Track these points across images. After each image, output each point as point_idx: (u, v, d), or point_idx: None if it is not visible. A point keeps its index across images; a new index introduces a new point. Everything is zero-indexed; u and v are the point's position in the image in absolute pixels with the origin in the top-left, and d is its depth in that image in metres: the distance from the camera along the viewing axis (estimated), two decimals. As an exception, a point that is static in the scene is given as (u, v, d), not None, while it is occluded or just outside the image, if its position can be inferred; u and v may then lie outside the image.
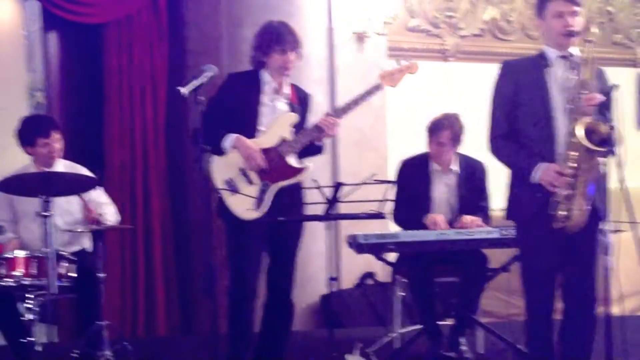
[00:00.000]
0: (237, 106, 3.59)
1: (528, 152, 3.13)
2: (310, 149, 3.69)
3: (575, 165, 2.97)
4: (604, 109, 2.96)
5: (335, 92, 4.95)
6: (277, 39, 3.58)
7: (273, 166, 3.55)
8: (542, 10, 3.15)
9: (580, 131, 2.92)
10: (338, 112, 3.66)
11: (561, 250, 3.12)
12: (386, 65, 3.79)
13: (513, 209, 3.23)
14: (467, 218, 3.94)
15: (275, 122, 3.61)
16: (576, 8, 3.09)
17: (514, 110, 3.18)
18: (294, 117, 3.63)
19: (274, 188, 3.56)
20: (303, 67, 4.74)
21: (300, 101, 3.73)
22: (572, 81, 3.06)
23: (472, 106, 5.22)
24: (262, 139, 3.59)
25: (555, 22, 3.09)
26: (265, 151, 3.55)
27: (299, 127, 3.64)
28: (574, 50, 3.12)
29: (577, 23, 3.10)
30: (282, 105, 3.66)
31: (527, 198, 3.11)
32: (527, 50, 5.95)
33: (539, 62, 3.15)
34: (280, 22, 3.69)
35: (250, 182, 3.56)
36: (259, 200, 3.52)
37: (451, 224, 3.98)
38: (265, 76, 3.63)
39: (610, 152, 2.93)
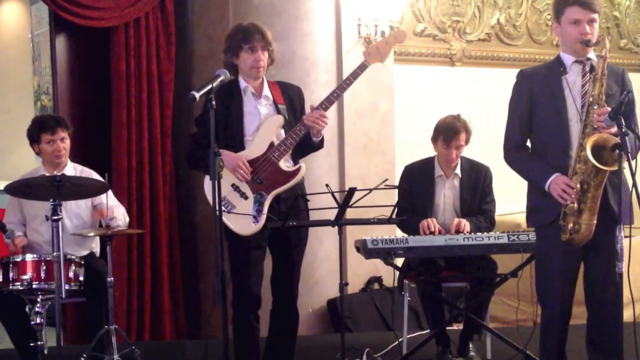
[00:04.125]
0: (221, 121, 3.45)
1: (541, 163, 3.12)
2: (310, 146, 3.57)
3: (584, 179, 2.97)
4: (625, 113, 2.91)
5: (342, 96, 4.94)
6: (244, 37, 3.47)
7: (265, 175, 3.47)
8: (559, 15, 3.11)
9: (588, 149, 2.90)
10: (324, 103, 3.48)
11: (579, 256, 3.12)
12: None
13: (532, 215, 3.23)
14: (455, 220, 3.93)
15: (261, 129, 3.50)
16: (594, 15, 3.05)
17: (529, 120, 3.17)
18: (279, 120, 3.51)
19: (270, 197, 3.49)
20: (311, 71, 4.77)
21: (289, 99, 3.59)
22: (586, 87, 3.04)
23: (478, 110, 5.27)
24: (250, 148, 3.48)
25: (571, 29, 3.06)
26: (255, 160, 3.46)
27: (292, 126, 3.50)
28: (592, 54, 3.09)
29: (594, 31, 3.06)
30: (265, 109, 3.54)
31: (546, 205, 3.10)
32: (533, 55, 6.02)
33: (556, 68, 3.12)
34: (249, 23, 3.59)
35: (244, 196, 3.47)
36: (256, 213, 3.44)
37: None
38: (242, 82, 3.53)
39: (622, 163, 2.90)
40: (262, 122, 3.51)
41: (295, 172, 3.52)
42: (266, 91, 3.56)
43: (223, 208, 3.38)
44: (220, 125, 3.46)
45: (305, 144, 3.54)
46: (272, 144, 3.48)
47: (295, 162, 3.59)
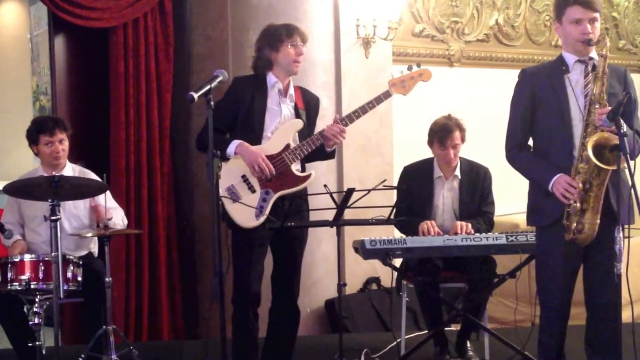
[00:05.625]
0: (243, 111, 3.56)
1: (544, 163, 3.12)
2: (321, 154, 3.67)
3: (586, 178, 2.97)
4: (627, 112, 2.92)
5: (340, 97, 4.95)
6: (287, 33, 3.57)
7: (276, 174, 3.52)
8: (561, 15, 3.10)
9: (589, 149, 2.90)
10: (345, 120, 3.62)
11: (580, 257, 3.12)
12: (395, 72, 3.74)
13: (533, 215, 3.22)
14: (458, 224, 3.93)
15: (281, 128, 3.58)
16: (595, 14, 3.04)
17: (531, 119, 3.16)
18: (299, 124, 3.60)
19: (276, 196, 3.53)
20: (309, 72, 4.76)
21: (307, 105, 3.70)
22: (589, 88, 3.04)
23: (477, 111, 5.28)
24: (266, 145, 3.55)
25: (573, 29, 3.06)
26: (269, 158, 3.51)
27: (304, 132, 3.62)
28: (594, 54, 3.09)
29: (596, 30, 3.05)
30: (287, 109, 3.63)
31: (548, 204, 3.10)
32: (532, 55, 6.02)
33: (559, 67, 3.12)
34: (283, 23, 3.72)
35: (251, 189, 3.52)
36: (260, 208, 3.49)
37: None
38: (272, 78, 3.61)
39: (621, 163, 2.90)
40: (283, 123, 3.58)
41: (305, 178, 3.60)
42: (291, 90, 3.65)
43: (229, 196, 3.46)
44: (241, 116, 3.55)
45: (316, 153, 3.63)
46: (288, 146, 3.55)
47: (303, 166, 3.66)
